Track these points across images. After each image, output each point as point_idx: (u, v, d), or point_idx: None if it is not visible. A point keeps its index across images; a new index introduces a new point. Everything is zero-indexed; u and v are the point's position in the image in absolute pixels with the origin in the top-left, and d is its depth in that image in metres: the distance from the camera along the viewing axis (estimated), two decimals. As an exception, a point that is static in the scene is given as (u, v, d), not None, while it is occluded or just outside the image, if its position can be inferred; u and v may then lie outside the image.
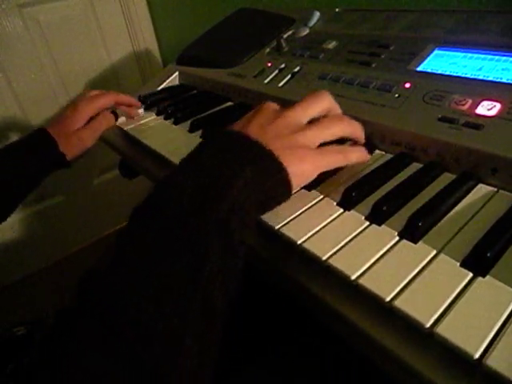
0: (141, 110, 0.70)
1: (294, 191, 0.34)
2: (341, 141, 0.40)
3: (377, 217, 0.34)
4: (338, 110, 0.41)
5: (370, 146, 0.44)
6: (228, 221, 0.28)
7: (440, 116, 0.41)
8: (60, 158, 0.62)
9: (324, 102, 0.39)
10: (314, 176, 0.36)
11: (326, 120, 0.37)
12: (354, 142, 0.42)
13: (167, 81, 0.82)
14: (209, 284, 0.26)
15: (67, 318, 0.25)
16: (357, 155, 0.39)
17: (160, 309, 0.24)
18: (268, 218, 0.36)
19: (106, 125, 0.66)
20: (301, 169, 0.34)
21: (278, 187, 0.32)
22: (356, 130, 0.40)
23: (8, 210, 0.63)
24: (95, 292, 0.26)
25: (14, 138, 1.33)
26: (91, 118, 0.67)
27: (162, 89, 0.80)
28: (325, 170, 0.36)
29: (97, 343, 0.23)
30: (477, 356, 0.22)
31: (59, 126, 0.63)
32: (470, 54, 0.47)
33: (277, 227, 0.35)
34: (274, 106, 0.39)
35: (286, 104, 0.55)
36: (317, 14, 0.70)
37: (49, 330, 0.25)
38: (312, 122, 0.37)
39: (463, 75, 0.45)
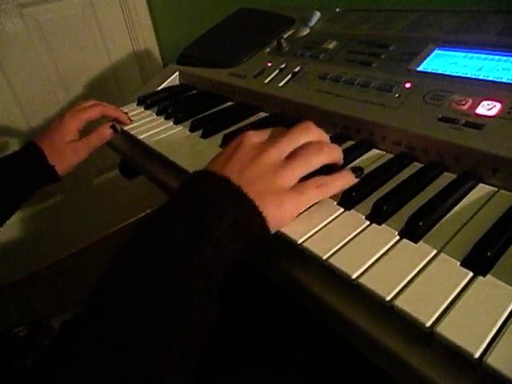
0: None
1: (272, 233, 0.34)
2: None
3: (377, 216, 0.34)
4: (325, 139, 0.40)
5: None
6: (210, 267, 0.29)
7: (440, 116, 0.41)
8: (49, 171, 0.62)
9: (309, 135, 0.38)
10: (295, 216, 0.35)
11: (304, 152, 0.36)
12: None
13: (167, 81, 0.82)
14: (189, 326, 0.28)
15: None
16: (340, 183, 0.37)
17: (141, 340, 0.26)
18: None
19: (103, 139, 0.66)
20: (279, 214, 0.34)
21: (255, 233, 0.33)
22: (335, 156, 0.39)
23: None
24: (83, 319, 0.27)
25: (14, 138, 1.33)
26: (83, 130, 0.66)
27: (163, 89, 0.80)
28: (305, 207, 0.36)
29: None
30: (477, 355, 0.22)
31: (47, 139, 0.63)
32: (470, 54, 0.47)
33: (277, 227, 0.35)
34: (254, 139, 0.37)
35: (287, 104, 0.56)
36: (317, 14, 0.70)
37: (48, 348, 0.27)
38: (291, 154, 0.36)
39: (463, 75, 0.45)
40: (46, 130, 0.65)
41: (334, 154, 0.38)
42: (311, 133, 0.38)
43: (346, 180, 0.38)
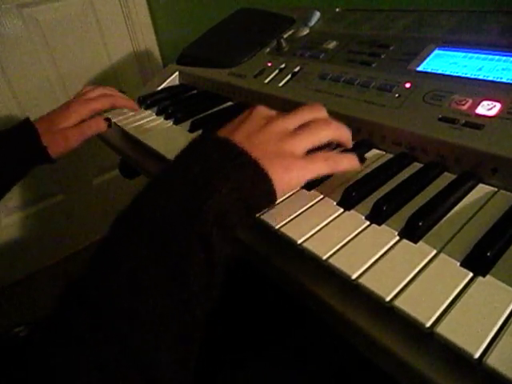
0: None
1: (278, 200, 0.34)
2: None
3: (377, 216, 0.34)
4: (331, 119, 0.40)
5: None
6: (210, 234, 0.28)
7: (440, 116, 0.41)
8: (41, 150, 0.61)
9: (317, 114, 0.39)
10: (301, 184, 0.36)
11: (313, 125, 0.37)
12: (343, 148, 0.41)
13: (167, 81, 0.82)
14: (190, 298, 0.27)
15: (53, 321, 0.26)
16: (347, 163, 0.37)
17: (139, 320, 0.25)
18: (268, 217, 0.36)
19: (96, 130, 0.65)
20: (286, 178, 0.33)
21: (262, 197, 0.32)
22: (343, 134, 0.39)
23: None
24: (78, 296, 0.26)
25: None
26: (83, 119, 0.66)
27: (162, 89, 0.80)
28: (312, 177, 0.36)
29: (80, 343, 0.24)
30: (477, 355, 0.22)
31: (46, 122, 0.62)
32: (470, 54, 0.47)
33: (277, 227, 0.35)
34: (264, 111, 0.38)
35: (287, 104, 0.56)
36: (317, 14, 0.70)
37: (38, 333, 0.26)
38: (299, 127, 0.37)
39: (463, 75, 0.45)
40: (49, 113, 0.64)
41: (342, 131, 0.39)
42: (319, 112, 0.39)
43: (352, 162, 0.38)
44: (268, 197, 0.33)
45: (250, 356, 0.50)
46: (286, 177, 0.33)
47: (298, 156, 0.35)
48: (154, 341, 0.25)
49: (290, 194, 0.39)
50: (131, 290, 0.25)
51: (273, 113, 0.39)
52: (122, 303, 0.25)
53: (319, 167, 0.35)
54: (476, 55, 0.46)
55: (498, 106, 0.39)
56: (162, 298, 0.26)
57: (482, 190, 0.36)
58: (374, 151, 0.45)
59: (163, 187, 0.31)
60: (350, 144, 0.40)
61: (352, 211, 0.36)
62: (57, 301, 0.27)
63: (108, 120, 0.66)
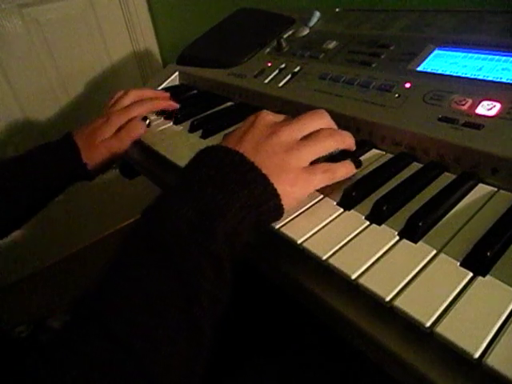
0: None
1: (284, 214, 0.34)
2: None
3: (377, 216, 0.34)
4: (335, 126, 0.41)
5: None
6: (220, 250, 0.29)
7: (440, 116, 0.41)
8: (82, 168, 0.59)
9: (321, 121, 0.39)
10: (305, 197, 0.36)
11: (318, 136, 0.37)
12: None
13: (167, 81, 0.82)
14: (200, 314, 0.27)
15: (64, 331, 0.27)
16: (344, 171, 0.38)
17: (150, 334, 0.25)
18: (268, 217, 0.36)
19: (136, 135, 0.60)
20: (292, 193, 0.34)
21: (270, 212, 0.33)
22: (347, 143, 0.40)
23: (23, 217, 0.62)
24: (90, 309, 0.27)
25: (14, 138, 1.33)
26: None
27: (162, 89, 0.80)
28: (313, 190, 0.37)
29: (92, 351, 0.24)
30: (477, 355, 0.22)
31: (87, 137, 0.59)
32: (470, 54, 0.47)
33: (277, 227, 0.35)
34: (269, 117, 0.38)
35: (287, 104, 0.56)
36: (317, 14, 0.70)
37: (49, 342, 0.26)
38: (304, 137, 0.37)
39: (463, 75, 0.45)
40: (89, 127, 0.60)
41: (347, 140, 0.40)
42: (323, 119, 0.39)
43: (348, 169, 0.39)
44: (276, 212, 0.33)
45: (251, 364, 0.50)
46: (292, 192, 0.34)
47: (302, 168, 0.35)
48: (164, 351, 0.25)
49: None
50: (143, 305, 0.26)
51: (277, 118, 0.39)
52: (134, 317, 0.25)
53: (320, 179, 0.36)
54: (476, 55, 0.46)
55: (498, 106, 0.39)
56: (174, 313, 0.26)
57: (481, 189, 0.36)
58: (374, 151, 0.45)
59: (174, 204, 0.30)
60: (353, 149, 0.41)
61: (352, 211, 0.36)
62: (70, 314, 0.27)
63: (145, 119, 0.62)
